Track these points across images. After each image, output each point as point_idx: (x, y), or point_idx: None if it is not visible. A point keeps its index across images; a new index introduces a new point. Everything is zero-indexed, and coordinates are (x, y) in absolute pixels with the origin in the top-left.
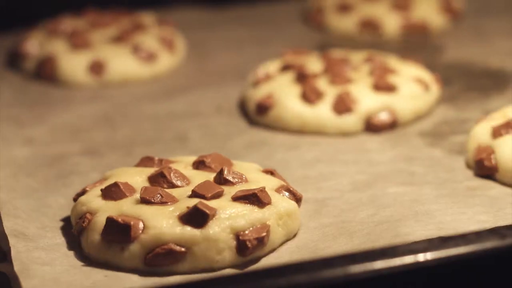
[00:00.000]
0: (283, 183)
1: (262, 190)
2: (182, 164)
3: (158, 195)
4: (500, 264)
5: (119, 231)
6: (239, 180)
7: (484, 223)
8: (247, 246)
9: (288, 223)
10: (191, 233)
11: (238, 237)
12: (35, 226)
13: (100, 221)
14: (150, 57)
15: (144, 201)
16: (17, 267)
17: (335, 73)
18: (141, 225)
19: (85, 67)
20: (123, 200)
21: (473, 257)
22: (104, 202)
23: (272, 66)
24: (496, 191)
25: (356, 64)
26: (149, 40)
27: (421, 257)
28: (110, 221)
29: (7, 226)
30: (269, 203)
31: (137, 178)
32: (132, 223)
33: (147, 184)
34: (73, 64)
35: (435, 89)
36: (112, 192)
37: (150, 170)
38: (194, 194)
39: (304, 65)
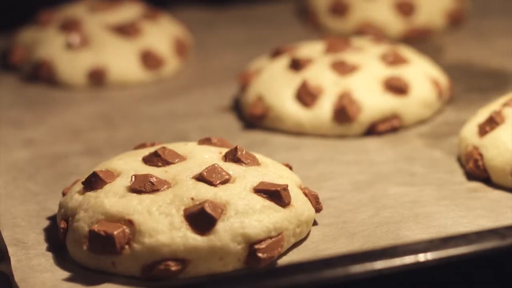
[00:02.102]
0: (299, 181)
1: (285, 188)
2: (182, 143)
3: (149, 183)
4: (500, 264)
5: (104, 243)
6: (251, 162)
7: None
8: (260, 262)
9: (303, 231)
10: (195, 243)
11: (255, 251)
12: (35, 232)
13: (81, 227)
14: (158, 64)
15: (134, 191)
16: (17, 277)
17: (337, 57)
18: (127, 231)
19: (84, 72)
20: (106, 191)
21: (473, 257)
22: (83, 198)
23: (260, 62)
24: (496, 193)
25: (361, 45)
26: (159, 41)
27: (422, 257)
28: (91, 233)
29: (6, 236)
30: (289, 203)
31: (121, 161)
32: (115, 233)
33: (141, 166)
34: (72, 68)
35: (446, 96)
36: (92, 183)
37: (143, 152)
38: (201, 179)
39: (298, 48)
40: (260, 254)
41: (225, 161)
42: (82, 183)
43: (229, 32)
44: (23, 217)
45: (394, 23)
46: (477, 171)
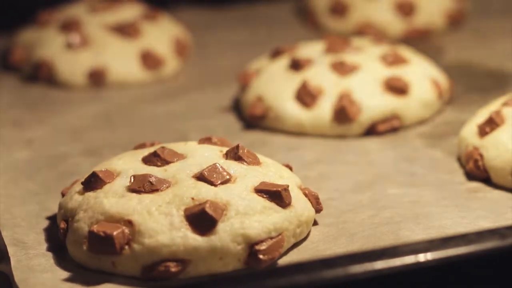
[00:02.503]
0: (300, 181)
1: (286, 188)
2: (182, 143)
3: (148, 183)
4: (500, 264)
5: (103, 244)
6: (252, 161)
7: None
8: (261, 264)
9: (303, 231)
10: (195, 244)
11: (256, 253)
12: (35, 232)
13: (81, 228)
14: (158, 64)
15: (134, 191)
16: (17, 277)
17: (337, 57)
18: (126, 231)
19: (84, 72)
20: (105, 191)
21: (473, 257)
22: (82, 198)
23: (260, 62)
24: (496, 193)
25: (361, 45)
26: (159, 42)
27: (422, 257)
28: (91, 234)
29: (6, 236)
30: (289, 203)
31: (121, 161)
32: (114, 233)
33: (140, 166)
34: (72, 68)
35: (446, 97)
36: (92, 183)
37: (142, 152)
38: (202, 178)
39: (298, 49)
40: (261, 256)
41: (226, 159)
42: (82, 183)
43: (229, 32)
44: (23, 217)
45: (394, 23)
46: (477, 171)
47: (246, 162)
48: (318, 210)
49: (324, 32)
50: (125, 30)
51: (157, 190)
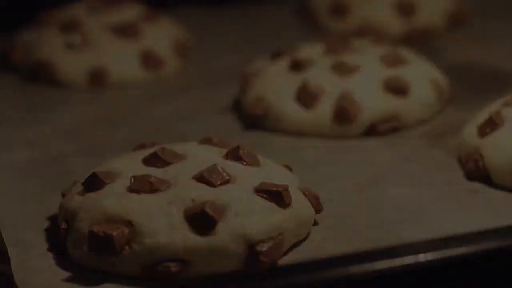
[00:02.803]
0: (300, 181)
1: (286, 189)
2: (182, 143)
3: (148, 184)
4: (500, 264)
5: (103, 244)
6: (252, 161)
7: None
8: (261, 265)
9: (303, 231)
10: (195, 244)
11: (256, 254)
12: (35, 232)
13: (81, 228)
14: (158, 64)
15: (134, 192)
16: (17, 277)
17: (337, 58)
18: (126, 232)
19: (85, 72)
20: (106, 192)
21: (473, 257)
22: (83, 199)
23: (261, 63)
24: (496, 193)
25: (361, 46)
26: (159, 42)
27: (422, 257)
28: (91, 234)
29: (7, 236)
30: (289, 204)
31: (121, 162)
32: (114, 234)
33: (140, 166)
34: (72, 68)
35: (446, 97)
36: (92, 184)
37: (143, 153)
38: (202, 179)
39: (298, 49)
40: (261, 257)
41: (226, 159)
42: (82, 184)
43: (229, 32)
44: (23, 217)
45: (394, 24)
46: (477, 171)
47: (246, 162)
48: (318, 210)
49: (324, 33)
50: (125, 31)
51: (157, 191)
